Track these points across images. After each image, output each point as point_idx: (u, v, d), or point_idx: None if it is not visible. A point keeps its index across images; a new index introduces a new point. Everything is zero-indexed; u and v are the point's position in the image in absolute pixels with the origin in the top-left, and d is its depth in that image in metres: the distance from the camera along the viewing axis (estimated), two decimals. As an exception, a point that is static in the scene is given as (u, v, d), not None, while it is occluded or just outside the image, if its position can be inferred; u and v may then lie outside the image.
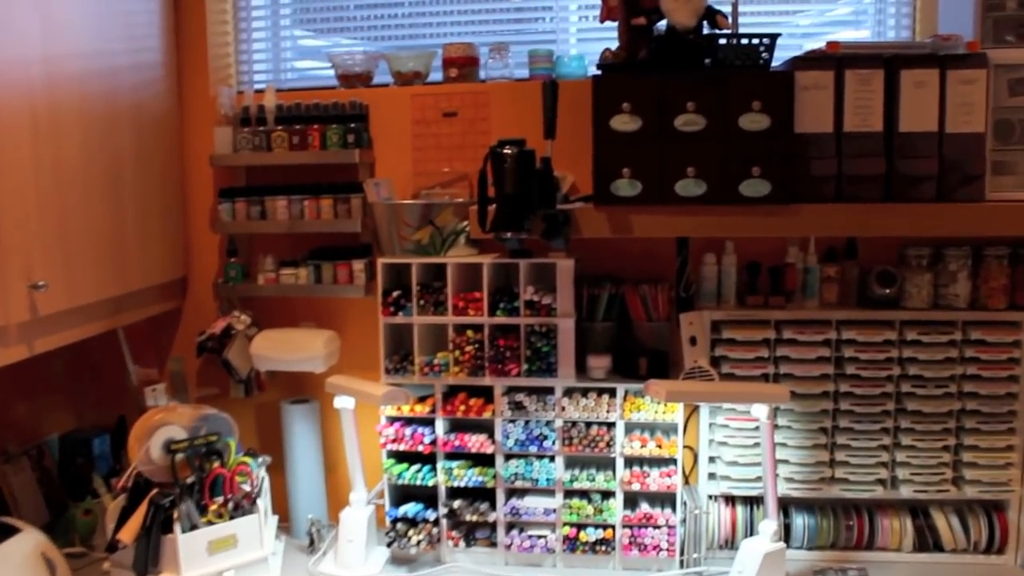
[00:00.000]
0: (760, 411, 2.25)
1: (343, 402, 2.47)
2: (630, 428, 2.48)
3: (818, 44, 2.18)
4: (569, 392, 2.48)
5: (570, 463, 2.54)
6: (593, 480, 2.48)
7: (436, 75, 2.72)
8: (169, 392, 2.61)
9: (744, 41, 2.15)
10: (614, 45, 2.39)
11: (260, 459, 2.50)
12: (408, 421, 2.57)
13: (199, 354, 2.74)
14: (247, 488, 2.40)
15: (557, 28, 2.79)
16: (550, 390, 2.47)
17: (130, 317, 2.57)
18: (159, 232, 2.67)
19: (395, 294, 2.51)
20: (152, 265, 2.63)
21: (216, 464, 2.36)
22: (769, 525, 2.27)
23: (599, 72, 2.16)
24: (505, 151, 1.97)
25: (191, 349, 2.75)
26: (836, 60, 2.15)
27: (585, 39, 2.80)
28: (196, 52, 2.77)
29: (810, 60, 2.16)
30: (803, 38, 2.71)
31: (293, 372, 2.69)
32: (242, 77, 2.93)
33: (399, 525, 2.55)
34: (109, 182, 2.39)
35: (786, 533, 2.47)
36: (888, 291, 2.44)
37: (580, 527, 2.49)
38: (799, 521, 2.48)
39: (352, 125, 2.60)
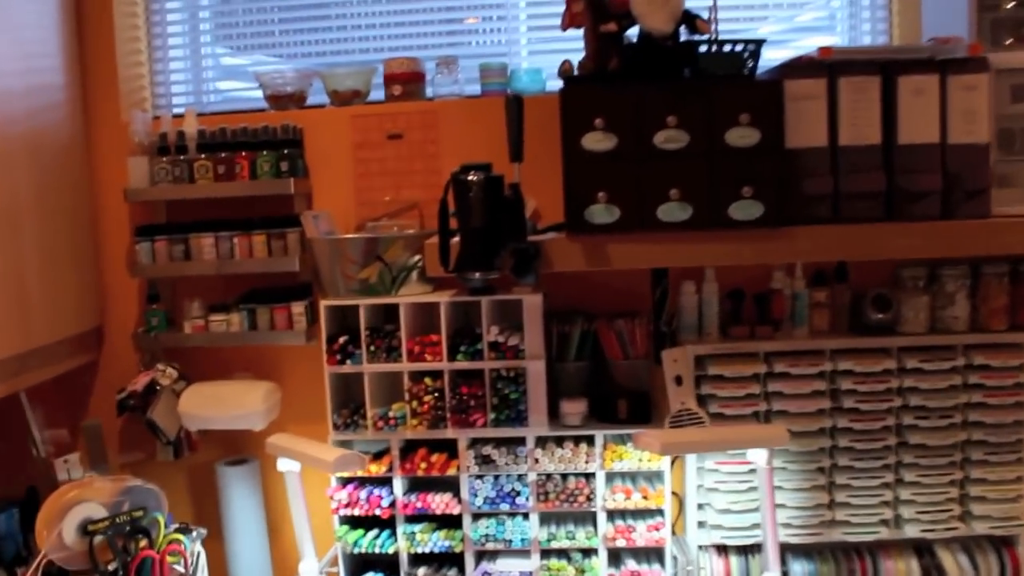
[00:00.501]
0: (758, 456, 2.03)
1: (288, 464, 2.17)
2: (611, 478, 2.23)
3: (785, 53, 1.97)
4: (542, 442, 2.23)
5: (546, 520, 2.29)
6: (573, 538, 2.22)
7: (378, 93, 2.45)
8: (84, 463, 2.27)
9: (727, 48, 1.92)
10: (572, 56, 2.16)
11: (195, 533, 2.19)
12: (362, 482, 2.29)
13: (120, 414, 2.42)
14: (180, 569, 2.09)
15: (508, 40, 2.54)
16: (521, 440, 2.21)
17: (35, 377, 2.24)
18: (68, 278, 2.34)
19: (341, 340, 2.23)
20: (61, 316, 2.31)
21: (143, 544, 2.05)
22: (771, 579, 2.05)
23: (566, 85, 1.91)
24: (470, 178, 1.70)
25: (110, 409, 2.42)
26: (828, 67, 1.94)
27: (536, 51, 2.56)
28: (104, 73, 2.46)
29: (800, 68, 1.95)
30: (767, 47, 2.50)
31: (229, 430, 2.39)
32: (159, 100, 2.62)
33: (356, 600, 2.27)
34: (4, 223, 2.07)
35: (784, 583, 2.25)
36: (884, 316, 2.25)
37: (559, 591, 2.24)
38: (797, 568, 2.26)
39: (285, 151, 2.31)
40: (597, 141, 1.89)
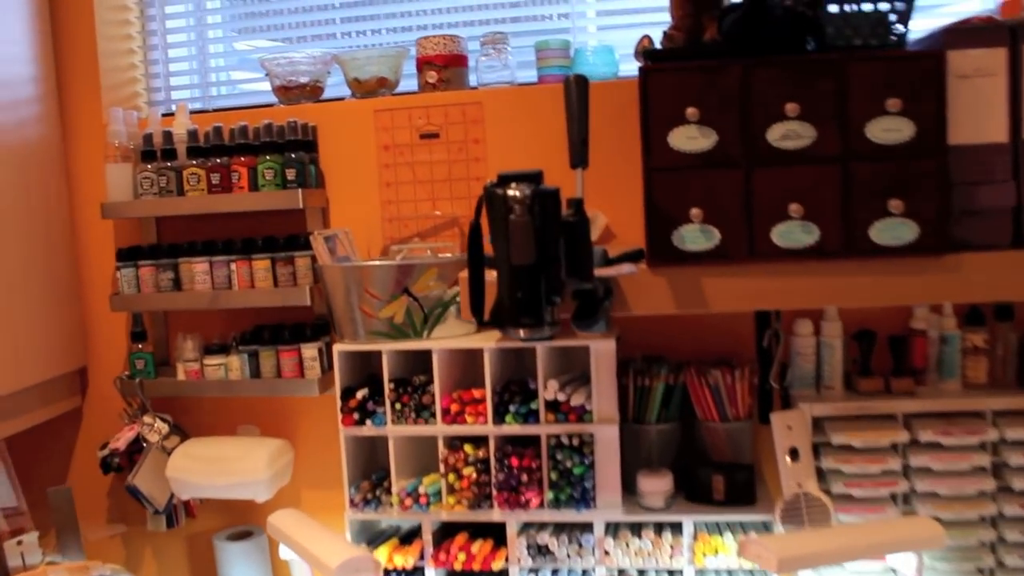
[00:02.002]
0: (904, 563, 1.50)
1: (291, 553, 1.72)
2: (703, 576, 1.73)
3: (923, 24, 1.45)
4: (614, 529, 1.74)
5: (618, 627, 1.79)
6: (653, 652, 1.72)
7: (409, 82, 1.98)
8: (49, 541, 1.85)
9: (867, 7, 1.41)
10: (652, 32, 1.70)
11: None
12: (387, 574, 1.82)
13: (105, 472, 2.00)
14: None
15: (572, 13, 2.05)
16: (587, 527, 1.72)
17: (2, 430, 1.84)
18: (42, 310, 1.94)
19: (359, 395, 1.76)
20: (31, 357, 1.91)
21: (111, 651, 1.62)
22: None
23: (648, 62, 1.42)
24: (510, 193, 1.20)
25: (96, 466, 2.00)
26: (1010, 30, 1.41)
27: (606, 27, 2.07)
28: (84, 62, 2.04)
29: (969, 33, 1.42)
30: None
31: (228, 498, 1.96)
32: (155, 95, 2.20)
33: None
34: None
35: None
36: (1069, 367, 1.69)
37: None
38: None
39: (293, 155, 1.86)
40: (690, 138, 1.40)
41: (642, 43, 1.79)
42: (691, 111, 1.39)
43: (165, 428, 1.98)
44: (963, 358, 1.79)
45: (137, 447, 1.97)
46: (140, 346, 1.98)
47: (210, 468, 1.88)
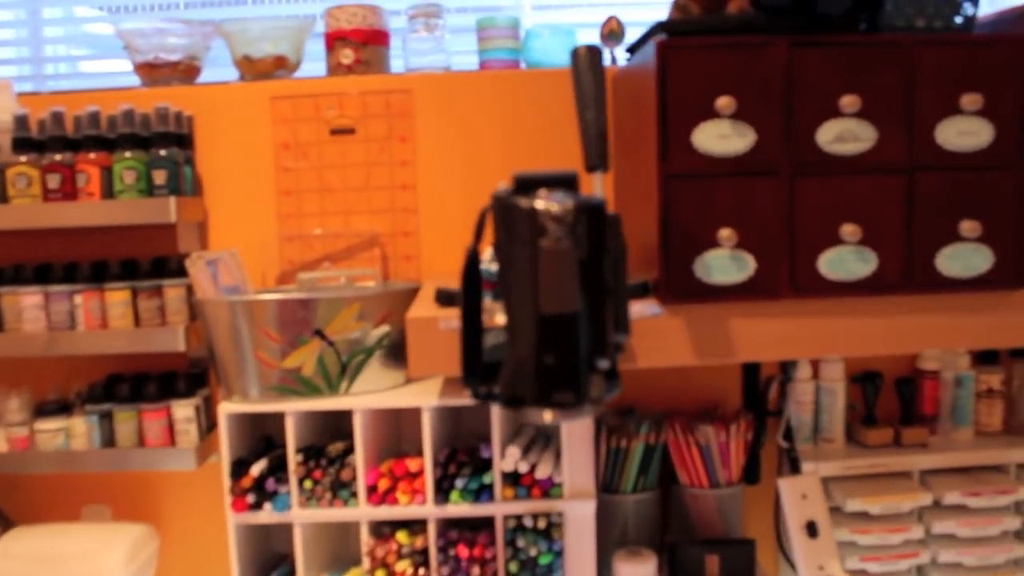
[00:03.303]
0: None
1: None
2: None
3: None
4: (588, 629, 1.38)
5: None
6: None
7: (315, 64, 1.57)
8: None
9: (932, -18, 1.12)
10: (619, 11, 1.42)
11: None
12: None
13: None
14: None
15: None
16: (554, 628, 1.36)
17: None
18: None
19: (256, 470, 1.34)
20: None
21: None
22: None
23: (668, 39, 1.07)
24: (541, 206, 0.76)
25: None
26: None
27: (544, 6, 1.74)
28: None
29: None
30: None
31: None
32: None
33: None
34: None
35: None
36: (1100, 413, 1.47)
37: None
38: None
39: (163, 152, 1.41)
40: (722, 137, 1.06)
41: (608, 25, 1.48)
42: (724, 102, 1.05)
43: (-19, 514, 1.48)
44: (976, 402, 1.55)
45: (-60, 541, 1.47)
46: (-55, 406, 1.48)
47: (43, 570, 1.41)
